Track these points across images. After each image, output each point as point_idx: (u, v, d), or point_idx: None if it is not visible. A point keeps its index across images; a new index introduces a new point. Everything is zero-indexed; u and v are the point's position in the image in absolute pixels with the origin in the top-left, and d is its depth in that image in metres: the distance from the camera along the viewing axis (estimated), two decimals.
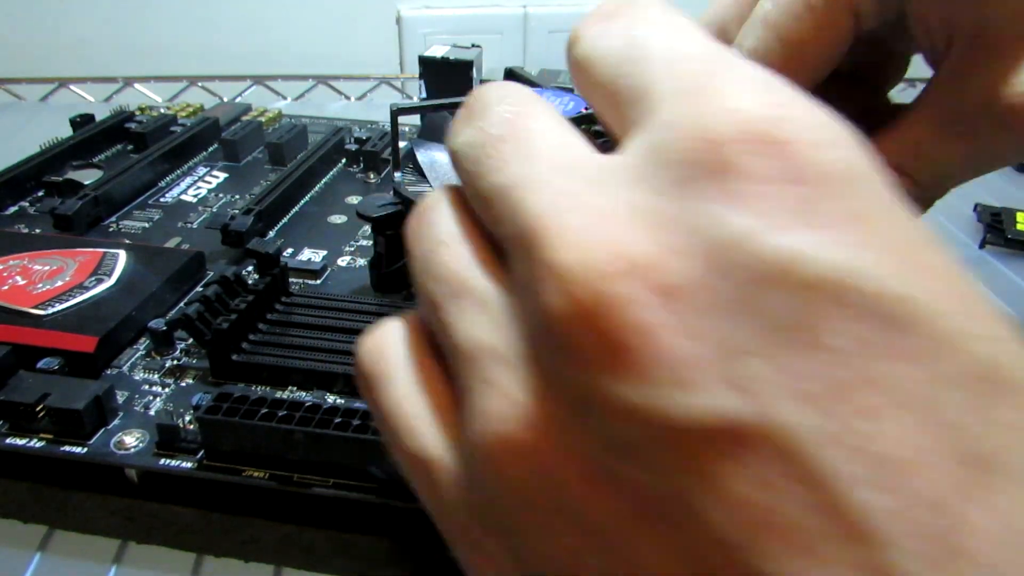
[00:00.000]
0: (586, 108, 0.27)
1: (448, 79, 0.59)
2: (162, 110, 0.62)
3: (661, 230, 0.13)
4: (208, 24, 0.84)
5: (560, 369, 0.14)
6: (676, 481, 0.13)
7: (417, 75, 0.57)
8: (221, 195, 0.50)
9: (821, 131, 0.14)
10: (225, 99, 0.86)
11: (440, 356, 0.18)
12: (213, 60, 0.85)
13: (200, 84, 0.86)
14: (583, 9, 0.85)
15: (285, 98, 0.86)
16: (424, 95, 0.59)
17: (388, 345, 0.19)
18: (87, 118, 0.56)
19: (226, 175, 0.53)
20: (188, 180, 0.51)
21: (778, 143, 0.13)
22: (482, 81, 0.59)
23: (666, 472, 0.13)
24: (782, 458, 0.12)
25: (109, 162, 0.52)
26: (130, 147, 0.55)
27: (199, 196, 0.50)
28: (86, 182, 0.46)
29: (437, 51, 0.59)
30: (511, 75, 0.53)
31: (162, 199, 0.49)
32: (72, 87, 0.85)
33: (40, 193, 0.47)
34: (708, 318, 0.13)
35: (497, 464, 0.15)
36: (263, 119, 0.62)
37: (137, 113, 0.60)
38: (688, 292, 0.13)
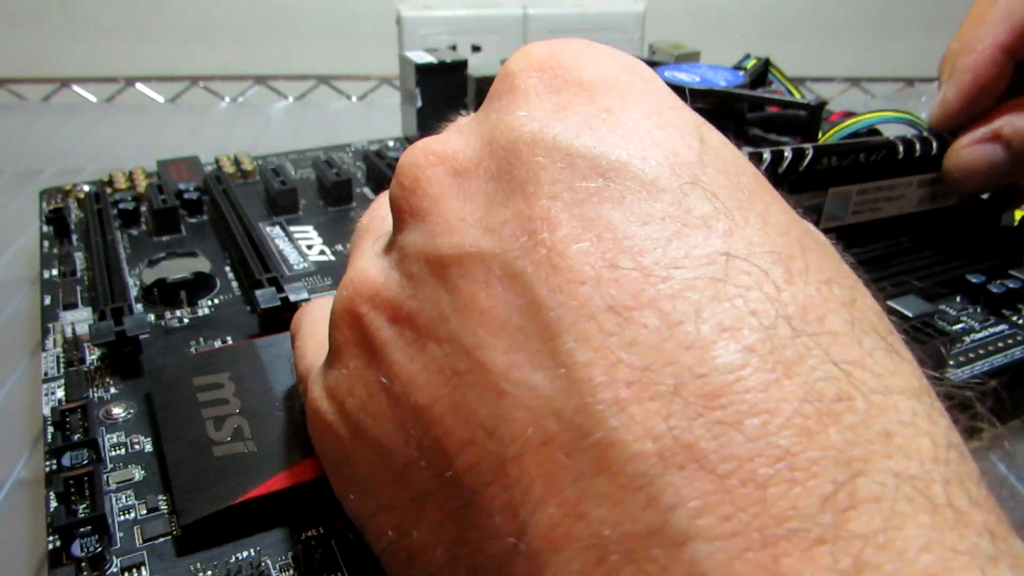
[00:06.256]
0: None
1: (445, 81, 0.55)
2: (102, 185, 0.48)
3: (467, 135, 0.18)
4: (209, 23, 0.77)
5: (392, 237, 0.19)
6: (439, 299, 0.16)
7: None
8: (318, 239, 0.42)
9: (586, 57, 0.18)
10: (227, 98, 0.79)
11: None
12: (214, 60, 0.78)
13: (201, 84, 0.77)
14: (583, 10, 0.81)
15: (286, 97, 0.80)
16: (420, 104, 0.54)
17: (306, 309, 0.26)
18: (58, 210, 0.43)
19: (278, 225, 0.45)
20: (280, 240, 0.42)
21: (548, 67, 0.18)
22: (478, 79, 0.57)
23: (433, 293, 0.16)
24: (504, 275, 0.15)
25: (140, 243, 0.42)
26: (141, 228, 0.43)
27: (304, 247, 0.41)
28: (207, 271, 0.37)
29: (422, 56, 0.55)
30: None
31: (292, 264, 0.40)
32: (74, 87, 0.76)
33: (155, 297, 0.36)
34: (479, 185, 0.17)
35: (337, 322, 0.19)
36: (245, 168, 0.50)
37: (114, 193, 0.46)
38: (470, 171, 0.17)
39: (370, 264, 0.19)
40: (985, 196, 0.40)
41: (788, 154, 0.33)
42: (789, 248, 0.15)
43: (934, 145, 0.36)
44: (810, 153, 0.33)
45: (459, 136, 0.19)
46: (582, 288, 0.14)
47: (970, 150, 0.35)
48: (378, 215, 0.22)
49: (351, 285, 0.19)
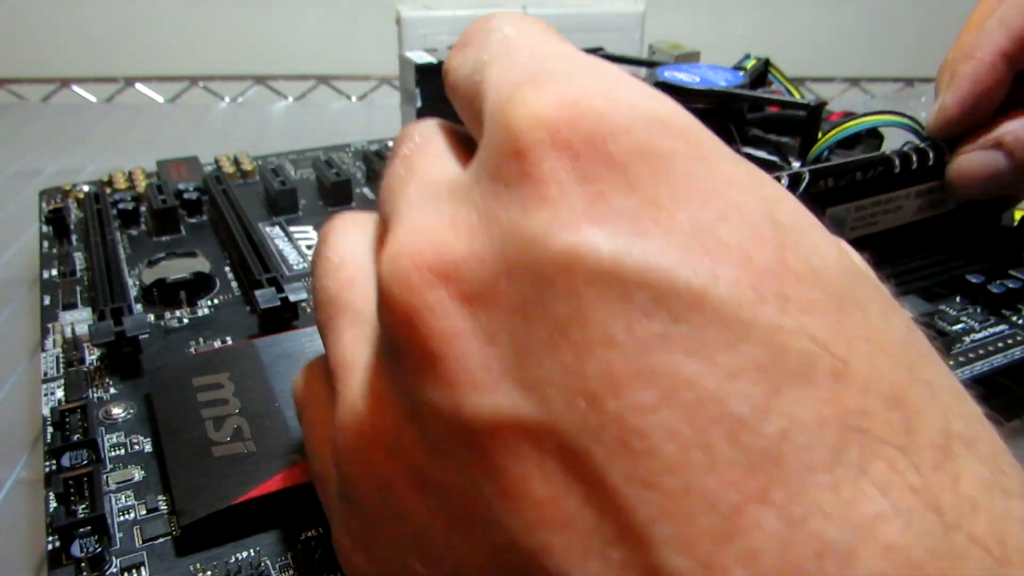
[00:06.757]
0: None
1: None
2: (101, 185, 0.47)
3: (469, 239, 0.14)
4: (209, 24, 0.77)
5: (392, 369, 0.15)
6: (476, 479, 0.13)
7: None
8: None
9: (612, 120, 0.13)
10: (227, 99, 0.79)
11: None
12: (214, 60, 0.78)
13: (201, 84, 0.77)
14: (582, 10, 0.81)
15: (286, 97, 0.80)
16: (420, 104, 0.54)
17: (310, 381, 0.20)
18: (57, 210, 0.42)
19: (276, 226, 0.45)
20: (280, 240, 0.42)
21: (567, 142, 0.13)
22: None
23: (467, 470, 0.13)
24: (562, 454, 0.12)
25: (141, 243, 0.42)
26: (140, 228, 0.43)
27: (303, 247, 0.41)
28: (206, 271, 0.37)
29: (422, 56, 0.55)
30: (604, 59, 0.50)
31: (292, 265, 0.39)
32: (74, 87, 0.76)
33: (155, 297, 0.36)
34: (502, 320, 0.13)
35: (341, 467, 0.16)
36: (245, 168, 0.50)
37: (114, 193, 0.46)
38: (486, 297, 0.13)
39: (367, 402, 0.15)
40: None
41: (784, 180, 0.33)
42: (899, 377, 0.12)
43: (931, 156, 0.36)
44: (807, 177, 0.33)
45: (458, 238, 0.14)
46: (671, 480, 0.11)
47: (971, 157, 0.35)
48: (346, 277, 0.19)
49: (356, 436, 0.15)
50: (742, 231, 0.12)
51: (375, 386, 0.15)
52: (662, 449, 0.11)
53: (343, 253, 0.19)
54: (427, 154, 0.18)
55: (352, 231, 0.19)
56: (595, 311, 0.12)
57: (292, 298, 0.33)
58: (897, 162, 0.35)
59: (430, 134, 0.19)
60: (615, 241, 0.12)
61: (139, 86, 0.77)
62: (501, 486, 0.13)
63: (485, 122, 0.15)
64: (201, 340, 0.33)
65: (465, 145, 0.18)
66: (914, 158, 0.35)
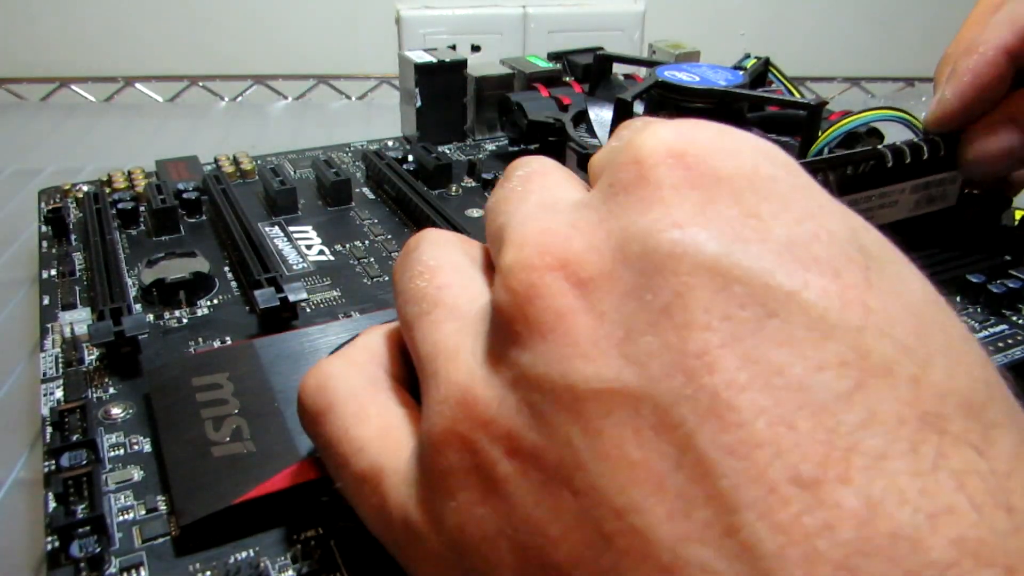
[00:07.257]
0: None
1: (444, 80, 0.55)
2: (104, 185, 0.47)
3: (589, 234, 0.15)
4: (208, 23, 0.77)
5: (501, 349, 0.16)
6: (573, 441, 0.14)
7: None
8: (317, 239, 0.42)
9: (722, 145, 0.15)
10: (226, 98, 0.79)
11: (401, 381, 0.21)
12: (214, 59, 0.78)
13: (201, 84, 0.77)
14: (583, 9, 0.81)
15: (286, 97, 0.80)
16: (419, 103, 0.55)
17: (329, 380, 0.20)
18: (57, 210, 0.42)
19: (275, 225, 0.45)
20: (280, 240, 0.42)
21: (681, 155, 0.15)
22: (477, 78, 0.57)
23: (565, 432, 0.14)
24: (657, 421, 0.13)
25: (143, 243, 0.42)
26: (140, 228, 0.43)
27: (303, 246, 0.41)
28: (205, 271, 0.37)
29: (421, 56, 0.55)
30: (604, 59, 0.50)
31: (291, 264, 0.40)
32: (73, 87, 0.76)
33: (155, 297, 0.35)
34: (612, 301, 0.14)
35: (440, 445, 0.16)
36: (244, 168, 0.50)
37: (113, 192, 0.45)
38: (599, 281, 0.15)
39: (473, 377, 0.16)
40: (978, 192, 0.40)
41: None
42: (976, 393, 0.13)
43: (925, 150, 0.36)
44: None
45: (578, 234, 0.16)
46: (758, 452, 0.12)
47: (986, 135, 0.34)
48: (445, 279, 0.20)
49: (456, 405, 0.16)
50: (831, 250, 0.14)
51: (475, 365, 0.17)
52: (751, 423, 0.12)
53: (439, 260, 0.20)
54: (546, 177, 0.20)
55: (444, 244, 0.21)
56: (697, 298, 0.13)
57: (291, 298, 0.33)
58: (889, 156, 0.35)
59: (549, 165, 0.21)
60: (719, 241, 0.14)
61: (138, 86, 0.77)
62: (598, 447, 0.14)
63: (609, 156, 0.17)
64: (200, 340, 0.33)
65: (579, 183, 0.20)
66: (907, 152, 0.35)
